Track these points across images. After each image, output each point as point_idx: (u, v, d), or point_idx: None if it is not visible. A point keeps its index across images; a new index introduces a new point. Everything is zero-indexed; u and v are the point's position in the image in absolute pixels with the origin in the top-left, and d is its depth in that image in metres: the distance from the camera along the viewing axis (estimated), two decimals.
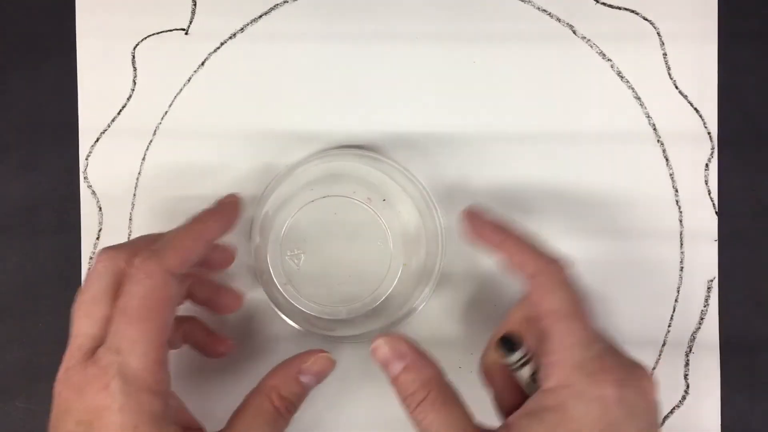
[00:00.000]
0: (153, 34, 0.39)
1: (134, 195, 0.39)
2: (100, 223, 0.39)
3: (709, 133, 0.39)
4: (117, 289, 0.29)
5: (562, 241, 0.38)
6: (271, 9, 0.39)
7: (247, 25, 0.39)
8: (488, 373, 0.33)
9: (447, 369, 0.38)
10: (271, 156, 0.39)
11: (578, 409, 0.28)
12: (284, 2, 0.39)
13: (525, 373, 0.31)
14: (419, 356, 0.30)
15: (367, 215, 0.36)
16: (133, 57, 0.39)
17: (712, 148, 0.39)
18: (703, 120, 0.39)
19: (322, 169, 0.37)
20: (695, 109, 0.39)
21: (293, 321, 0.36)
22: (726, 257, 0.38)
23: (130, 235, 0.39)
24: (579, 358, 0.28)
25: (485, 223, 0.33)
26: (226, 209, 0.33)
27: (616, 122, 0.39)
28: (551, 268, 0.30)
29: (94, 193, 0.39)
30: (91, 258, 0.39)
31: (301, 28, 0.39)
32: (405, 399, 0.30)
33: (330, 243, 0.37)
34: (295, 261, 0.37)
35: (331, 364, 0.33)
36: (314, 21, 0.39)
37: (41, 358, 0.39)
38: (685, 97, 0.39)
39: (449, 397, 0.29)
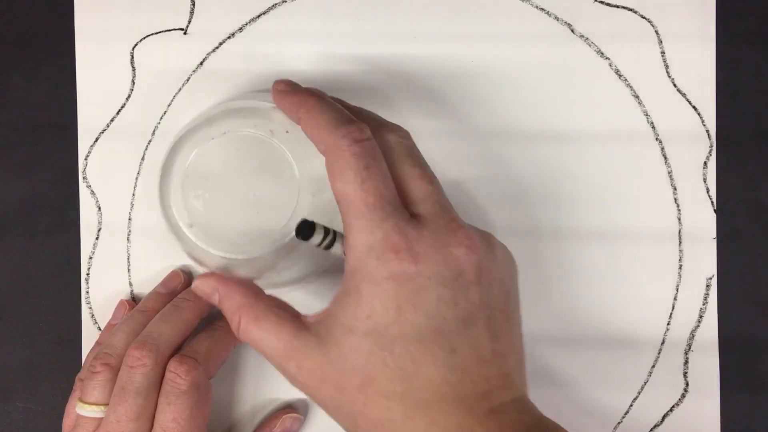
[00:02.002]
0: (152, 34, 0.39)
1: (133, 195, 0.39)
2: (100, 223, 0.39)
3: (707, 132, 0.39)
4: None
5: (560, 239, 0.38)
6: (270, 9, 0.39)
7: (246, 24, 0.39)
8: None
9: None
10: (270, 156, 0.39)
11: (370, 291, 0.27)
12: (283, 2, 0.39)
13: (337, 250, 0.30)
14: (227, 285, 0.30)
15: (270, 149, 0.34)
16: (132, 57, 0.39)
17: (711, 147, 0.39)
18: (701, 118, 0.39)
19: (220, 108, 0.35)
20: (694, 107, 0.39)
21: (209, 266, 0.35)
22: (725, 255, 0.38)
23: (129, 235, 0.39)
24: (367, 242, 0.27)
25: (288, 93, 0.31)
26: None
27: (615, 121, 0.39)
28: (340, 143, 0.28)
29: (93, 193, 0.39)
30: (90, 258, 0.39)
31: (300, 27, 0.39)
32: (231, 325, 0.30)
33: (234, 180, 0.34)
34: (200, 201, 0.34)
35: (297, 422, 0.37)
36: (313, 21, 0.39)
37: (41, 358, 0.39)
38: (684, 95, 0.39)
39: (262, 312, 0.29)
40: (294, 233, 0.30)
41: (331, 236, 0.30)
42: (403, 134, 0.31)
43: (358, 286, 0.27)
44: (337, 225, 0.32)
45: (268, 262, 0.34)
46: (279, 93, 0.31)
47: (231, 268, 0.34)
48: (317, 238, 0.30)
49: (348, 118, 0.29)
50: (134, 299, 0.39)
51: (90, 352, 0.37)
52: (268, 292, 0.31)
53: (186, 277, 0.38)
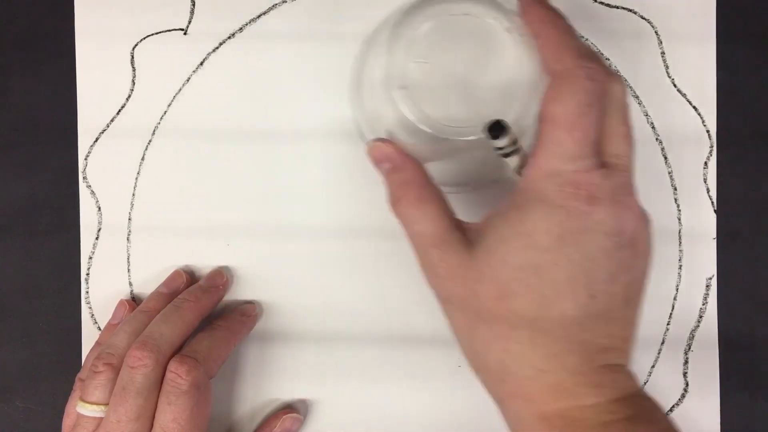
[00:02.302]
0: (152, 35, 0.39)
1: (133, 195, 0.39)
2: (100, 223, 0.39)
3: (707, 132, 0.39)
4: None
5: None
6: (270, 8, 0.39)
7: (246, 24, 0.39)
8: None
9: (446, 368, 0.38)
10: (271, 156, 0.39)
11: (539, 211, 0.28)
12: (283, 2, 0.39)
13: (512, 162, 0.30)
14: (404, 159, 0.31)
15: (500, 46, 0.33)
16: (132, 57, 0.39)
17: (711, 147, 0.39)
18: (701, 118, 0.39)
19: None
20: (694, 107, 0.39)
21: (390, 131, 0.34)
22: (724, 255, 0.38)
23: (129, 235, 0.39)
24: (557, 167, 0.28)
25: (539, 4, 0.31)
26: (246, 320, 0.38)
27: None
28: (578, 72, 0.28)
29: (93, 193, 0.39)
30: (90, 258, 0.39)
31: (300, 27, 0.39)
32: (390, 196, 0.31)
33: (456, 61, 0.33)
34: (419, 68, 0.34)
35: (297, 422, 0.38)
36: (313, 20, 0.39)
37: (41, 358, 0.39)
38: (684, 95, 0.39)
39: (428, 196, 0.30)
40: (484, 129, 0.30)
41: (516, 146, 0.30)
42: (625, 90, 0.30)
43: (527, 203, 0.28)
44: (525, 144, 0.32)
45: (450, 151, 0.34)
46: (529, 2, 0.31)
47: (418, 141, 0.33)
48: (503, 141, 0.30)
49: (592, 53, 0.30)
50: (134, 299, 0.39)
51: (90, 352, 0.37)
52: None
53: (188, 277, 0.38)
